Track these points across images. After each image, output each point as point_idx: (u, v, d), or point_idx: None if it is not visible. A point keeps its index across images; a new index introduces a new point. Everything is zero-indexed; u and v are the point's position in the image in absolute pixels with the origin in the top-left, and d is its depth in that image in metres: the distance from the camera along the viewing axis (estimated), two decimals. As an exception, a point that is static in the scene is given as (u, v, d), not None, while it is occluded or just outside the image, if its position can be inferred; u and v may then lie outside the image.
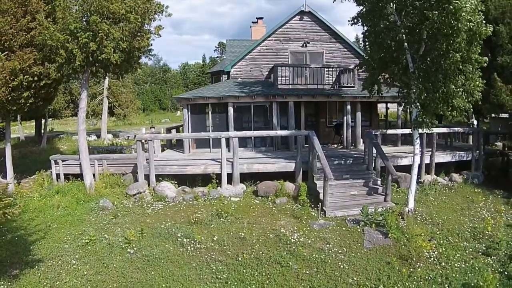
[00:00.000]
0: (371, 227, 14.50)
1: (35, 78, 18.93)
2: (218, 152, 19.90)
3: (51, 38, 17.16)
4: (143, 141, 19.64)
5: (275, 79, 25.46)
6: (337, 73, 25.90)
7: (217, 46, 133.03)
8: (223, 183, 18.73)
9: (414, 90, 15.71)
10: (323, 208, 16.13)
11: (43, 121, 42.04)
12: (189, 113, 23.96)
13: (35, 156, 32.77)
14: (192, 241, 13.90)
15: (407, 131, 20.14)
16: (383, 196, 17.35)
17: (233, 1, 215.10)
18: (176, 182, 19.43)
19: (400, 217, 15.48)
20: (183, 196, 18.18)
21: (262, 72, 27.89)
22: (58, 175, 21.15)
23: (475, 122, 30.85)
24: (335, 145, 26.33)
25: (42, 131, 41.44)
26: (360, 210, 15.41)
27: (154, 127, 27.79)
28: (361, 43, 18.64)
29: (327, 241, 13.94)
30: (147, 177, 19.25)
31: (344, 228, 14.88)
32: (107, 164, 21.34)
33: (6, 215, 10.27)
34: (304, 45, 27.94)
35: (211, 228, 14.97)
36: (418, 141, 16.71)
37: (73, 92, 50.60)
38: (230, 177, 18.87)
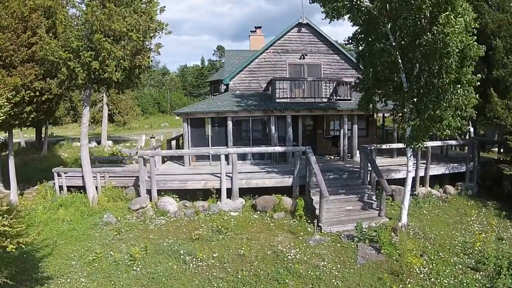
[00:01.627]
0: (365, 243, 15.03)
1: (37, 93, 19.22)
2: (217, 165, 20.37)
3: (52, 54, 17.42)
4: (144, 157, 20.01)
5: (273, 92, 25.93)
6: (334, 85, 26.37)
7: (216, 49, 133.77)
8: (223, 198, 19.26)
9: (407, 110, 16.24)
10: (319, 224, 16.72)
11: (43, 127, 41.85)
12: (189, 126, 24.41)
13: (37, 164, 33.02)
14: (194, 259, 14.41)
15: (401, 145, 20.51)
16: (378, 211, 17.87)
17: (232, 1, 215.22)
18: (177, 196, 19.90)
19: (393, 232, 15.93)
20: (184, 211, 18.68)
21: (261, 84, 28.31)
22: (61, 187, 21.27)
23: (472, 130, 30.97)
24: (332, 156, 26.93)
25: (43, 138, 41.56)
26: (355, 226, 15.87)
27: (154, 137, 27.85)
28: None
29: (322, 258, 14.47)
30: (149, 191, 19.67)
31: (339, 244, 15.41)
32: (109, 176, 21.53)
33: (20, 244, 10.19)
34: (302, 57, 28.33)
35: (212, 245, 15.47)
36: (411, 158, 17.22)
37: (73, 100, 50.53)
38: (229, 191, 19.39)
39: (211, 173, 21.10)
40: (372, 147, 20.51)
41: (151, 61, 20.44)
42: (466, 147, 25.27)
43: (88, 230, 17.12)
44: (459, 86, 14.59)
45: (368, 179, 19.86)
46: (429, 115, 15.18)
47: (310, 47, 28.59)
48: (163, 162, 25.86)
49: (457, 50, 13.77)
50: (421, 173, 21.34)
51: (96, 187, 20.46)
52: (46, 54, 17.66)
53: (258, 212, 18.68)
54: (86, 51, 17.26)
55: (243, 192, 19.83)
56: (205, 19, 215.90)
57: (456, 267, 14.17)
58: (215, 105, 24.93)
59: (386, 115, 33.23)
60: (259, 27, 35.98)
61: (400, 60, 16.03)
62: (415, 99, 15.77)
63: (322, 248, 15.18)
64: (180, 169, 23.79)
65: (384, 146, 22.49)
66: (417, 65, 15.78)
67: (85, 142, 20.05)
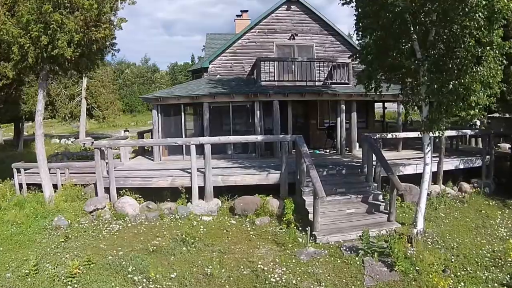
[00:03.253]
0: (373, 257, 11.53)
1: (-7, 79, 16.89)
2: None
3: (7, 33, 14.89)
4: (102, 149, 16.70)
5: (258, 75, 22.58)
6: (329, 68, 23.08)
7: (205, 45, 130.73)
8: (194, 199, 15.79)
9: (424, 80, 12.79)
10: (313, 232, 13.05)
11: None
12: (159, 115, 21.06)
13: (12, 161, 30.38)
14: (145, 278, 10.85)
15: (413, 134, 17.38)
16: (386, 215, 14.35)
17: (224, 2, 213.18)
18: (140, 196, 16.53)
19: (408, 241, 12.55)
20: (146, 214, 15.25)
21: (244, 68, 25.04)
22: (21, 185, 19.04)
23: (478, 122, 28.22)
24: (327, 150, 23.44)
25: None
26: (359, 234, 12.47)
27: (128, 130, 25.36)
28: (353, 35, 15.76)
29: (318, 279, 10.88)
30: (108, 190, 16.44)
31: (339, 260, 11.81)
32: (70, 173, 18.80)
33: None
34: (292, 37, 25.15)
35: (171, 260, 11.89)
36: (429, 147, 13.85)
37: (51, 94, 48.17)
38: (202, 191, 15.95)
39: (181, 168, 17.51)
40: (376, 136, 17.07)
41: (114, 37, 17.40)
42: (473, 140, 23.63)
43: (35, 234, 14.11)
44: (489, 49, 11.68)
45: (373, 175, 16.36)
46: (453, 86, 12.05)
47: (301, 27, 25.41)
48: (136, 157, 23.24)
49: (484, 2, 10.88)
50: (434, 167, 17.61)
51: (56, 184, 17.95)
52: (1, 34, 15.10)
53: (237, 216, 15.10)
54: (36, 25, 14.65)
55: (221, 191, 16.41)
56: (197, 20, 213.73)
57: (489, 285, 10.82)
58: (190, 89, 21.58)
59: (386, 105, 30.11)
60: (246, 11, 32.43)
61: (410, 22, 12.68)
62: (433, 69, 12.54)
63: (317, 265, 11.57)
64: (148, 164, 20.32)
65: (390, 135, 19.01)
66: (433, 28, 12.57)
67: (40, 133, 17.26)
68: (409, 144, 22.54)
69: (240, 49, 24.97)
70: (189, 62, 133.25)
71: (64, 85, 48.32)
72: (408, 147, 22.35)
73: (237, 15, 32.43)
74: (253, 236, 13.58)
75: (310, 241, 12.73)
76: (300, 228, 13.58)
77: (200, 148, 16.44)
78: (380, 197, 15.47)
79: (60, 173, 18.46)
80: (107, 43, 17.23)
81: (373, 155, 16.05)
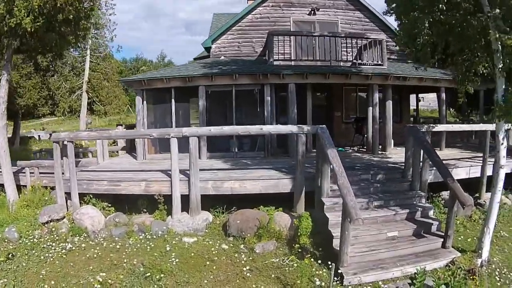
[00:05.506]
0: (428, 310, 7.40)
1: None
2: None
3: None
4: (62, 142, 12.84)
5: (270, 53, 18.45)
6: (358, 47, 18.93)
7: (211, 26, 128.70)
8: (175, 211, 11.65)
9: (497, 48, 8.71)
10: (339, 267, 8.63)
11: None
12: (145, 102, 17.08)
13: None
14: None
15: (483, 127, 13.45)
16: (441, 238, 10.01)
17: (245, 2, 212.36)
18: (110, 205, 12.79)
19: (470, 277, 8.50)
20: (111, 231, 11.34)
21: (255, 48, 21.13)
22: None
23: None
24: (355, 148, 19.40)
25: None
26: (406, 271, 8.42)
27: (122, 125, 21.76)
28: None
29: None
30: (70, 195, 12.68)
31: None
32: (40, 173, 15.68)
33: None
34: (312, 12, 21.27)
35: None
36: (505, 142, 9.59)
37: (50, 87, 45.07)
38: (186, 200, 11.78)
39: (160, 169, 13.39)
40: (424, 128, 12.76)
41: (91, 8, 14.91)
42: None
43: (-18, 250, 10.93)
44: None
45: (419, 181, 12.14)
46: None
47: (323, 1, 21.52)
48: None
49: None
50: (489, 171, 13.41)
51: (25, 185, 15.53)
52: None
53: (231, 238, 10.82)
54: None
55: (214, 201, 12.28)
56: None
57: None
58: (183, 70, 17.66)
59: (420, 96, 26.90)
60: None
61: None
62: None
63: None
64: (127, 164, 16.41)
65: (441, 127, 14.57)
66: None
67: (2, 124, 14.37)
68: (449, 141, 18.88)
69: (249, 26, 21.12)
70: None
71: (65, 77, 45.20)
72: (449, 144, 18.65)
73: (249, -10, 28.56)
74: (249, 271, 9.11)
75: (335, 282, 8.36)
76: (319, 261, 9.20)
77: (187, 144, 12.19)
78: (431, 212, 11.25)
79: (30, 172, 15.77)
80: (81, 14, 14.33)
81: (421, 153, 11.92)
